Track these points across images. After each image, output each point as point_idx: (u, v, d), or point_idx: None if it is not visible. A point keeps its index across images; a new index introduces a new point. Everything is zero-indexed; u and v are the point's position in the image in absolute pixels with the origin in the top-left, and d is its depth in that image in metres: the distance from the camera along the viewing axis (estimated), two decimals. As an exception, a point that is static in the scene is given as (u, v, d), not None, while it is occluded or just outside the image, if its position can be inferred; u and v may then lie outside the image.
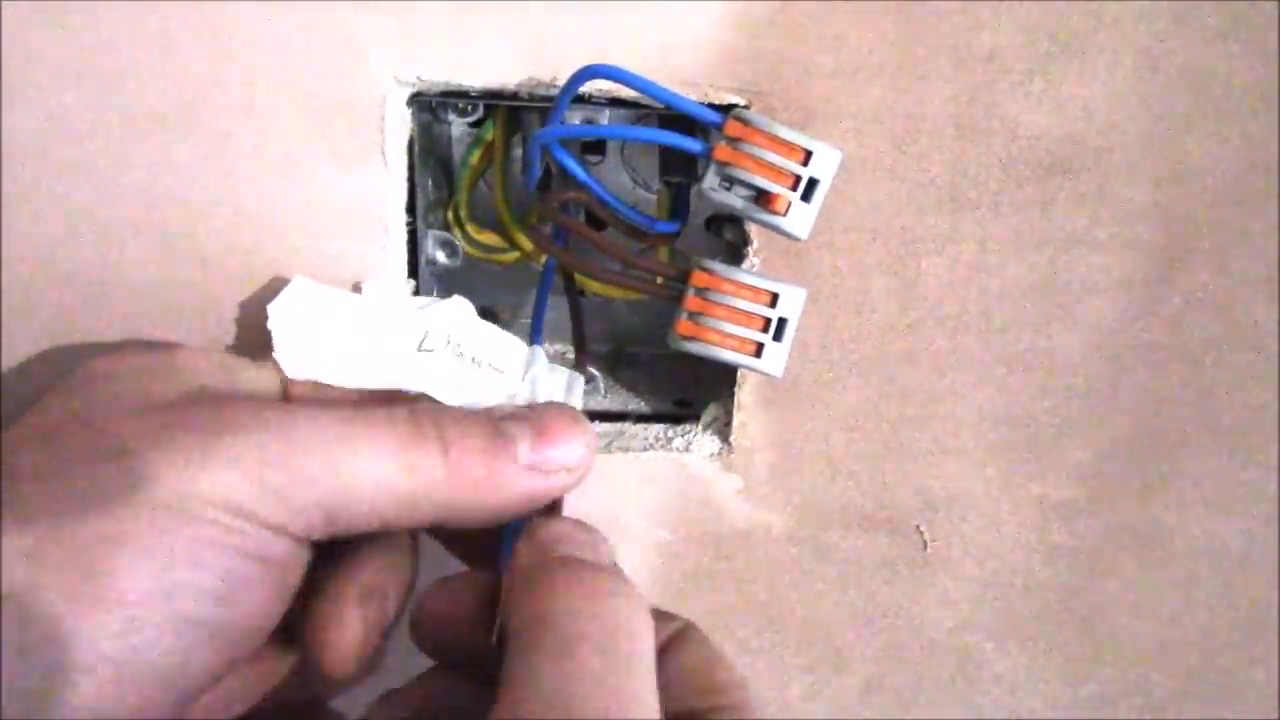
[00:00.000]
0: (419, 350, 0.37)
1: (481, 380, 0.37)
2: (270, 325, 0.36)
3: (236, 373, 0.31)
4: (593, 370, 0.41)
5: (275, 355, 0.36)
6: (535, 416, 0.30)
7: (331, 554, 0.30)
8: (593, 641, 0.23)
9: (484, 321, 0.39)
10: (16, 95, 0.35)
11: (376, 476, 0.27)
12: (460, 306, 0.38)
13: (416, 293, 0.40)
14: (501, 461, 0.28)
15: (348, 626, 0.28)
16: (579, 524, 0.29)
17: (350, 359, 0.37)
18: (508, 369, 0.38)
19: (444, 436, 0.28)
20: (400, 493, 0.27)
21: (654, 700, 0.23)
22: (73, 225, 0.37)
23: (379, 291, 0.38)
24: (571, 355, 0.47)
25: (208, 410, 0.27)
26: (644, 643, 0.24)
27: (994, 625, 0.45)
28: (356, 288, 0.38)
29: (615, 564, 0.28)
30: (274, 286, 0.38)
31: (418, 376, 0.37)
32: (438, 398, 0.38)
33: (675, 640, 0.28)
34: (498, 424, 0.29)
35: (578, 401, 0.38)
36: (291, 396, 0.33)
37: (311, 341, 0.36)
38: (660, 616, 0.28)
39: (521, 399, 0.37)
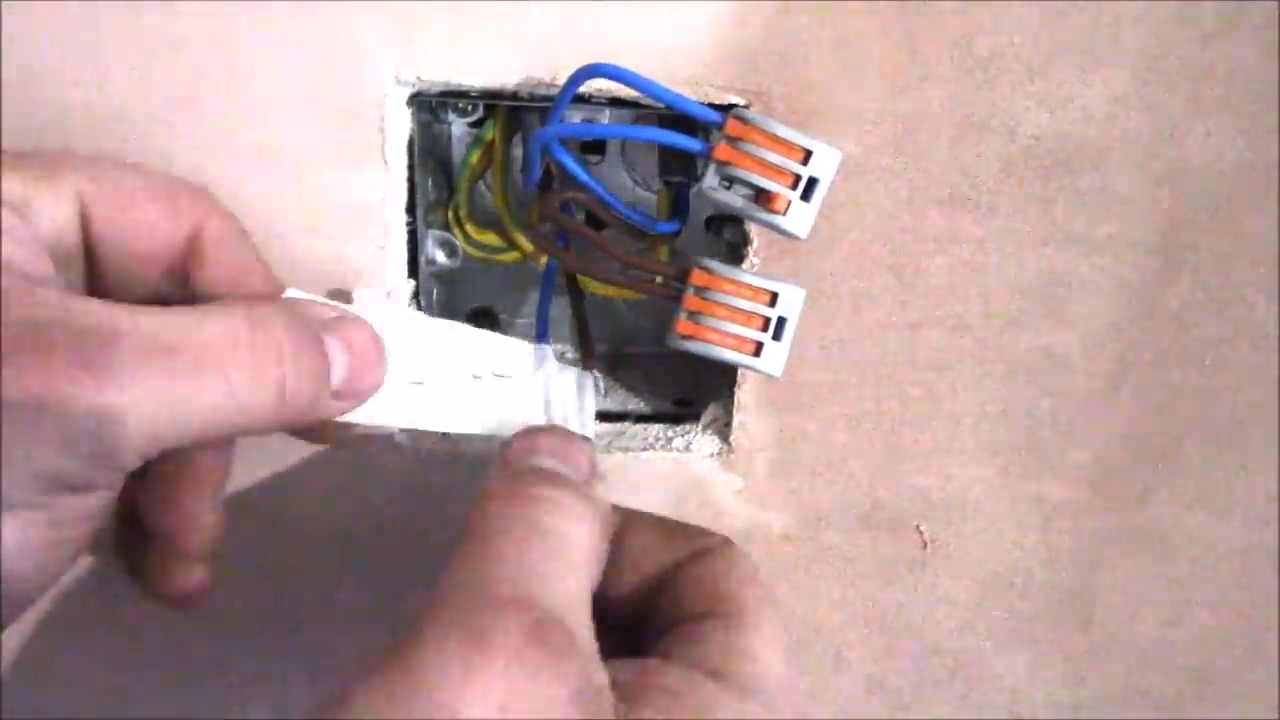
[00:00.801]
0: (411, 383, 0.36)
1: (486, 395, 0.37)
2: None
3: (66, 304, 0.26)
4: (595, 372, 0.41)
5: None
6: (351, 341, 0.30)
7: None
8: (513, 536, 0.25)
9: (479, 331, 0.38)
10: (16, 95, 0.35)
11: (197, 398, 0.26)
12: (451, 326, 0.38)
13: (416, 294, 0.40)
14: (322, 393, 0.29)
15: (207, 528, 0.32)
16: (554, 433, 0.31)
17: None
18: (515, 372, 0.38)
19: (284, 369, 0.27)
20: (224, 414, 0.26)
21: (578, 590, 0.25)
22: (73, 225, 0.37)
23: (369, 300, 0.38)
24: (570, 355, 0.47)
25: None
26: (575, 544, 0.26)
27: (994, 625, 0.45)
28: (348, 297, 0.38)
29: (589, 470, 0.30)
30: None
31: (416, 412, 0.37)
32: (441, 428, 0.37)
33: (699, 555, 0.29)
34: (322, 345, 0.29)
35: (590, 403, 0.38)
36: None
37: None
38: (693, 534, 0.30)
39: (535, 400, 0.37)
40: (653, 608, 0.29)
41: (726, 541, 0.30)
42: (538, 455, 0.30)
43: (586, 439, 0.32)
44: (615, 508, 0.31)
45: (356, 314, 0.31)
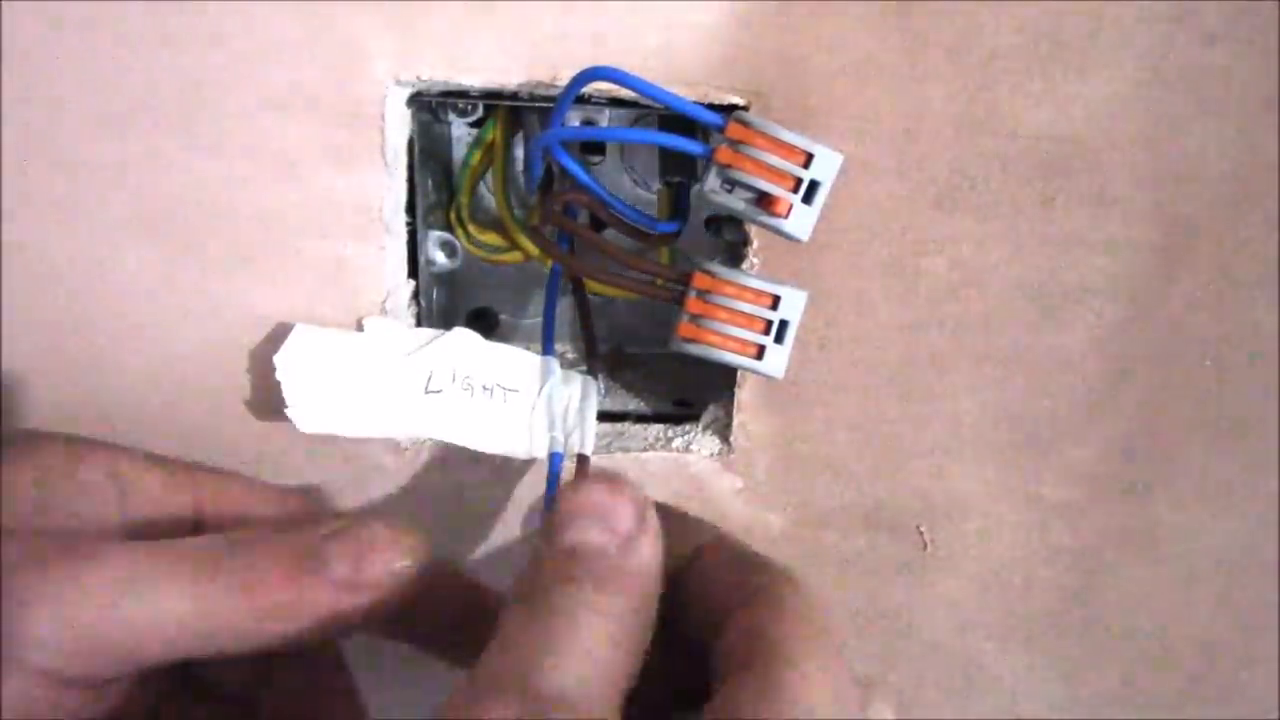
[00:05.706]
0: (426, 393, 0.37)
1: (496, 408, 0.37)
2: (279, 377, 0.36)
3: (55, 505, 0.30)
4: (599, 376, 0.41)
5: (287, 410, 0.36)
6: (359, 533, 0.29)
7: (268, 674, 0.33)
8: (523, 622, 0.25)
9: (491, 344, 0.39)
10: (16, 95, 0.35)
11: (164, 615, 0.26)
12: (464, 337, 0.38)
13: (416, 295, 0.40)
14: (310, 587, 0.28)
15: None
16: (597, 490, 0.27)
17: (360, 408, 0.37)
18: (522, 386, 0.38)
19: (242, 566, 0.28)
20: (196, 629, 0.27)
21: (594, 673, 0.24)
22: (72, 225, 0.37)
23: (381, 328, 0.38)
24: (572, 355, 0.47)
25: None
26: (592, 626, 0.25)
27: (994, 625, 0.45)
28: (359, 325, 0.38)
29: (635, 525, 0.27)
30: (276, 335, 0.38)
31: (428, 420, 0.37)
32: (450, 439, 0.38)
33: (750, 597, 0.27)
34: (312, 545, 0.29)
35: (592, 409, 0.39)
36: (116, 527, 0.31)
37: (321, 392, 0.37)
38: (755, 569, 0.28)
39: (540, 413, 0.38)
40: (713, 654, 0.27)
41: (782, 578, 0.27)
42: (576, 525, 0.27)
43: (633, 489, 0.28)
44: (695, 525, 0.30)
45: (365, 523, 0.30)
